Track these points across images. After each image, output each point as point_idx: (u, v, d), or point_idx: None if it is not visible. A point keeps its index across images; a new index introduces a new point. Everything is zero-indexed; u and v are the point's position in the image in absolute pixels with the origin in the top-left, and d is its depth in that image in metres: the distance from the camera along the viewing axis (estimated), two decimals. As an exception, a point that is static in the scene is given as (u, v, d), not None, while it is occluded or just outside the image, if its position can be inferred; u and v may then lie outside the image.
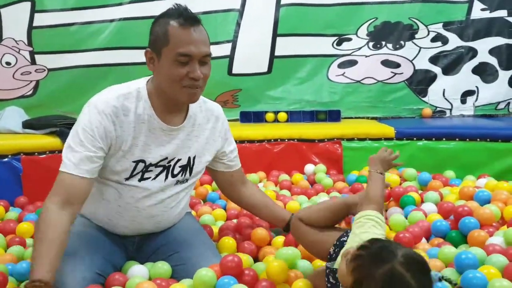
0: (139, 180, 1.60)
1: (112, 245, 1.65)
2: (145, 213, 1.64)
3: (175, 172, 1.65)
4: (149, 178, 1.61)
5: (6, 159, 2.56)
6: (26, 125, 2.83)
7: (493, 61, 3.68)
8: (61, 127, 2.71)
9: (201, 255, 1.60)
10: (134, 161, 1.56)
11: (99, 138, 1.48)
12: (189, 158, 1.66)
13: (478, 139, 2.92)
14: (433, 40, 3.69)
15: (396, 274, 1.05)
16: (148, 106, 1.54)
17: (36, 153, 2.62)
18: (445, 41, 3.69)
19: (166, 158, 1.61)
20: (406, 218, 2.05)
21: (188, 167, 1.67)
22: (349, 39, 3.70)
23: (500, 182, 2.35)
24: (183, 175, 1.67)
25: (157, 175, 1.61)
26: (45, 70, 3.53)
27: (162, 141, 1.59)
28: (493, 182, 2.41)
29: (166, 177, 1.63)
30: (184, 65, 1.46)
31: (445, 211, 2.06)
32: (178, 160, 1.63)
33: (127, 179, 1.58)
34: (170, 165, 1.63)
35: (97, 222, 1.68)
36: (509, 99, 3.70)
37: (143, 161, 1.57)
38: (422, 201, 2.30)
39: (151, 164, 1.59)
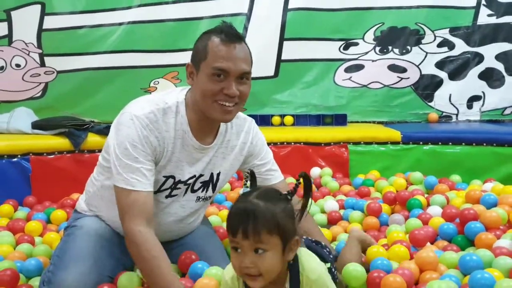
0: (166, 197, 1.59)
1: (125, 247, 1.62)
2: (164, 228, 1.63)
3: (195, 187, 1.62)
4: (176, 195, 1.60)
5: (15, 159, 2.60)
6: (35, 125, 2.86)
7: (500, 66, 3.69)
8: (70, 128, 2.74)
9: (209, 257, 1.61)
10: (164, 176, 1.54)
11: (150, 152, 1.46)
12: (212, 174, 1.63)
13: (484, 144, 2.93)
14: (440, 45, 3.71)
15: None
16: (185, 122, 1.52)
17: (45, 154, 2.66)
18: (451, 46, 3.70)
19: (195, 176, 1.59)
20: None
21: (210, 183, 1.64)
22: (356, 44, 3.72)
23: (506, 186, 2.33)
24: (204, 191, 1.65)
25: (182, 193, 1.61)
26: (54, 72, 3.56)
27: (192, 159, 1.56)
28: (499, 187, 2.39)
29: (186, 192, 1.61)
30: (220, 80, 1.43)
31: (450, 216, 2.06)
32: (201, 175, 1.61)
33: (154, 193, 1.54)
34: (192, 180, 1.61)
35: (114, 228, 1.66)
36: (515, 105, 3.71)
37: (173, 177, 1.55)
38: (429, 205, 2.30)
39: (180, 181, 1.57)
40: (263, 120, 3.46)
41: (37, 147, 2.65)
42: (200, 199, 1.66)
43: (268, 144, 2.91)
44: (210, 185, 1.64)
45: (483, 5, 3.67)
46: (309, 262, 1.20)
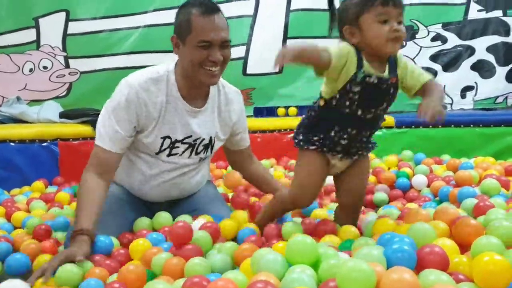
0: (168, 156, 1.78)
1: (142, 209, 1.87)
2: (170, 182, 1.85)
3: (199, 150, 1.82)
4: (177, 154, 1.78)
5: (45, 144, 2.86)
6: (62, 115, 3.16)
7: (491, 58, 3.92)
8: (94, 116, 2.98)
9: (211, 203, 1.88)
10: (161, 137, 1.74)
11: (132, 119, 1.65)
12: (211, 137, 1.83)
13: (471, 125, 3.14)
14: (433, 39, 3.96)
15: None
16: (175, 89, 1.71)
17: (71, 139, 2.92)
18: (444, 40, 3.95)
19: (191, 136, 1.77)
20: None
21: (209, 145, 1.85)
22: (354, 40, 3.96)
23: (486, 157, 2.56)
24: (205, 153, 1.86)
25: (183, 151, 1.79)
26: (77, 73, 3.87)
27: (186, 120, 1.74)
28: (480, 159, 2.62)
29: (191, 154, 1.81)
30: (205, 49, 1.61)
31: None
32: (202, 140, 1.80)
33: (156, 153, 1.76)
34: (196, 143, 1.80)
35: (130, 189, 1.89)
36: (507, 93, 3.92)
37: (169, 137, 1.74)
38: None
39: (176, 141, 1.76)
40: (269, 112, 3.71)
41: (64, 134, 2.92)
42: (201, 159, 1.88)
43: (272, 131, 3.26)
44: (209, 147, 1.86)
45: (473, 1, 3.91)
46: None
